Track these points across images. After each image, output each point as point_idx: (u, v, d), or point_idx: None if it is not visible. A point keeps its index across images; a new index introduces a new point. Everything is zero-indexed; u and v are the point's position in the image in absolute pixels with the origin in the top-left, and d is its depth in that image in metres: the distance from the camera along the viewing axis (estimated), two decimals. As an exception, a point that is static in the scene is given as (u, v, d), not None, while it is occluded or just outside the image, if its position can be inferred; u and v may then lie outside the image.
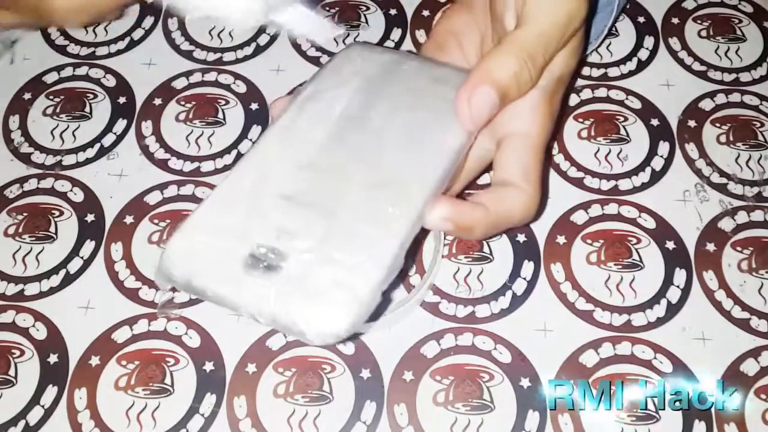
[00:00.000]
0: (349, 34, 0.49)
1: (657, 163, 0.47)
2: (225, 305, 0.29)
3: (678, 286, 0.43)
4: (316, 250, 0.28)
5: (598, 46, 0.51)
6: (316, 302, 0.27)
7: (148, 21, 0.55)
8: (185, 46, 0.53)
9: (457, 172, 0.34)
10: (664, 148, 0.48)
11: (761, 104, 0.49)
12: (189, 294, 0.33)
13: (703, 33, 0.53)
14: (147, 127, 0.50)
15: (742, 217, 0.45)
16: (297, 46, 0.53)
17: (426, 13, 0.54)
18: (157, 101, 0.51)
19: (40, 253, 0.45)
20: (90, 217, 0.46)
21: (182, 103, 0.50)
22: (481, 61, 0.32)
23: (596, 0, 0.45)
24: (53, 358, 0.41)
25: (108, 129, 0.50)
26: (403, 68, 0.36)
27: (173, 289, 0.39)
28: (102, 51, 0.53)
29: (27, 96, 0.51)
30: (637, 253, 0.44)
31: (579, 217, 0.45)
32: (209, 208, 0.30)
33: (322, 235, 0.28)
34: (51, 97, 0.51)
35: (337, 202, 0.30)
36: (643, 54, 0.52)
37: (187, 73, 0.52)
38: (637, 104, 0.50)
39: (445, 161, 0.32)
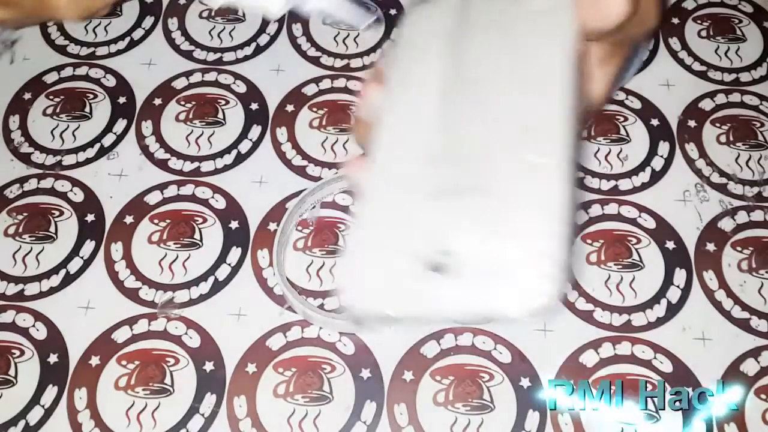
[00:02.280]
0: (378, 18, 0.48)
1: (657, 163, 0.47)
2: (422, 323, 0.29)
3: (678, 286, 0.43)
4: (482, 230, 0.25)
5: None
6: (510, 282, 0.24)
7: (148, 21, 0.55)
8: (185, 46, 0.53)
9: (582, 83, 0.30)
10: (664, 148, 0.48)
11: (761, 104, 0.49)
12: (386, 326, 0.32)
13: (703, 33, 0.53)
14: (147, 127, 0.50)
15: (742, 217, 0.45)
16: (297, 46, 0.53)
17: (426, 13, 0.54)
18: (157, 101, 0.51)
19: (40, 253, 0.45)
20: (90, 217, 0.46)
21: (182, 103, 0.50)
22: None
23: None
24: (53, 358, 0.41)
25: (108, 129, 0.50)
26: (475, 5, 0.31)
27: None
28: (102, 51, 0.53)
29: (27, 96, 0.51)
30: (637, 253, 0.44)
31: (579, 217, 0.45)
32: (361, 237, 0.27)
33: (480, 214, 0.26)
34: (51, 97, 0.51)
35: (480, 174, 0.27)
36: (643, 54, 0.52)
37: (187, 73, 0.52)
38: (637, 104, 0.50)
39: (564, 83, 0.27)
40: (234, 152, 0.48)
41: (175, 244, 0.45)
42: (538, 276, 0.24)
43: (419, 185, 0.27)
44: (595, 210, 0.46)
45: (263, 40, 0.53)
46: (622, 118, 0.49)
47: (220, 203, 0.46)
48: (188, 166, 0.48)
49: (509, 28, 0.30)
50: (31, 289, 0.44)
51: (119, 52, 0.53)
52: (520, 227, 0.25)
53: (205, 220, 0.46)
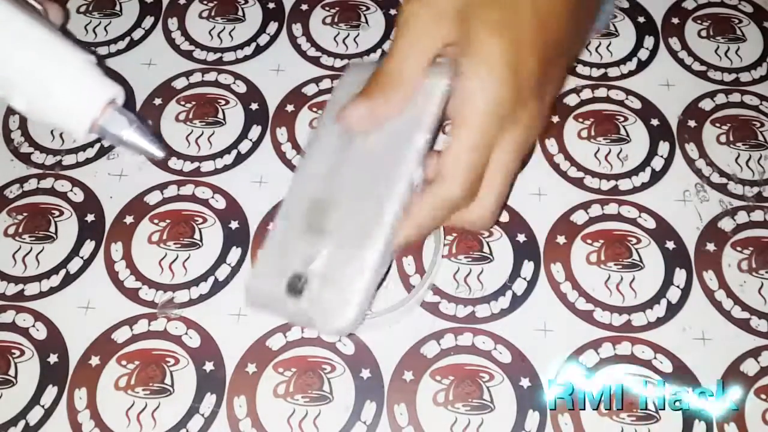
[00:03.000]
0: (170, 157, 0.48)
1: (657, 163, 0.47)
2: (283, 320, 0.40)
3: (678, 286, 0.43)
4: (327, 270, 0.37)
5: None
6: (326, 312, 0.36)
7: (148, 21, 0.55)
8: (185, 46, 0.53)
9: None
10: (664, 148, 0.48)
11: (761, 104, 0.49)
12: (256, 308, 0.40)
13: (703, 33, 0.53)
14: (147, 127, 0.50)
15: (742, 217, 0.45)
16: (297, 46, 0.53)
17: (426, 13, 0.54)
18: (157, 101, 0.51)
19: (40, 253, 0.45)
20: (90, 217, 0.46)
21: (182, 103, 0.50)
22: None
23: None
24: (53, 358, 0.41)
25: (108, 129, 0.50)
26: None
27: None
28: (102, 51, 0.53)
29: (27, 96, 0.51)
30: (637, 253, 0.44)
31: (579, 217, 0.45)
32: (266, 252, 0.39)
33: (328, 256, 0.37)
34: (51, 97, 0.51)
35: (335, 227, 0.37)
36: (643, 54, 0.52)
37: (187, 73, 0.52)
38: (637, 104, 0.50)
39: (402, 180, 0.37)
40: (234, 152, 0.48)
41: (175, 244, 0.45)
42: (340, 310, 0.36)
43: (304, 216, 0.38)
44: (595, 210, 0.46)
45: (263, 40, 0.53)
46: (622, 118, 0.49)
47: (220, 203, 0.46)
48: (188, 166, 0.48)
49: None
50: (31, 289, 0.44)
51: (119, 52, 0.53)
52: (342, 274, 0.36)
53: (205, 220, 0.46)
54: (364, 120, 0.37)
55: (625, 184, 0.46)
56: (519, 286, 0.43)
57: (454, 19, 0.35)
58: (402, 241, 0.37)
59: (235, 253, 0.45)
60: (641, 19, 0.54)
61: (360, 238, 0.37)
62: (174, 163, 0.48)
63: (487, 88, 0.34)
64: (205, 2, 0.55)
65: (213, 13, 0.55)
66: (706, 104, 0.50)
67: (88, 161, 0.48)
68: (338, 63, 0.52)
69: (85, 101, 0.35)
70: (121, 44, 0.54)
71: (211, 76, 0.52)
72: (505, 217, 0.45)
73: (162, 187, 0.47)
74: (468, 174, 0.35)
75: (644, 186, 0.46)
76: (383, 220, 0.37)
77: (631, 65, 0.51)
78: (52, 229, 0.46)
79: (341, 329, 0.37)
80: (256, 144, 0.49)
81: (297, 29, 0.54)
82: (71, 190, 0.47)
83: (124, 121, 0.36)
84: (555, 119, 0.49)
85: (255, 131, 0.49)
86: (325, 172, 0.39)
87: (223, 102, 0.50)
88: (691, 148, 0.48)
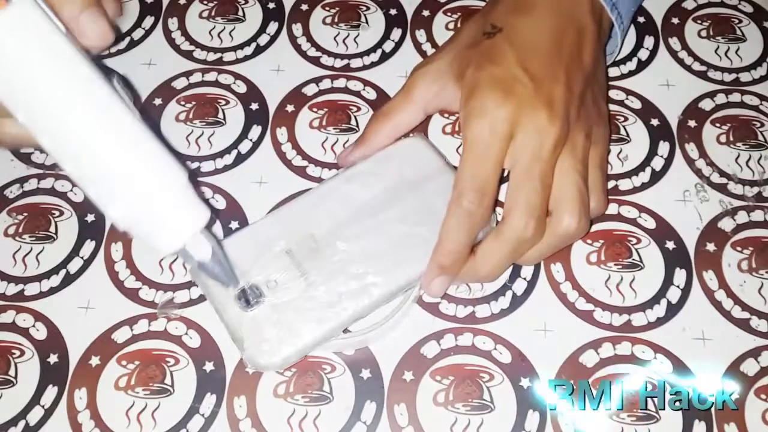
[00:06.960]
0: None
1: (657, 163, 0.47)
2: (214, 309, 0.40)
3: (678, 286, 0.43)
4: (284, 305, 0.38)
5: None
6: (259, 342, 0.38)
7: (148, 21, 0.55)
8: (185, 46, 0.53)
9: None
10: (664, 148, 0.48)
11: (761, 104, 0.49)
12: (202, 290, 0.41)
13: (703, 33, 0.53)
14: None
15: (742, 217, 0.45)
16: (297, 46, 0.53)
17: (426, 13, 0.54)
18: (157, 101, 0.51)
19: (40, 253, 0.45)
20: (90, 217, 0.46)
21: (182, 103, 0.50)
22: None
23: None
24: (53, 358, 0.41)
25: (108, 129, 0.50)
26: (440, 179, 0.42)
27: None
28: (103, 51, 0.53)
29: (27, 96, 0.51)
30: (637, 253, 0.44)
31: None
32: (236, 241, 0.41)
33: (294, 295, 0.38)
34: (51, 97, 0.51)
35: (319, 275, 0.39)
36: (643, 54, 0.52)
37: (187, 73, 0.52)
38: (637, 104, 0.50)
39: (407, 280, 0.40)
40: (234, 152, 0.48)
41: (175, 244, 0.45)
42: (269, 353, 0.37)
43: (295, 242, 0.40)
44: (595, 210, 0.46)
45: (263, 40, 0.53)
46: (622, 118, 0.49)
47: (220, 203, 0.46)
48: (188, 167, 0.48)
49: (432, 216, 0.41)
50: (31, 289, 0.44)
51: (119, 52, 0.53)
52: (296, 320, 0.38)
53: (205, 220, 0.46)
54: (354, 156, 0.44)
55: (625, 184, 0.47)
56: (519, 287, 0.43)
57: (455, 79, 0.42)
58: (481, 281, 0.42)
59: (235, 253, 0.44)
60: (641, 19, 0.54)
61: (329, 305, 0.38)
62: (174, 163, 0.48)
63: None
64: (205, 2, 0.55)
65: (213, 13, 0.55)
66: (706, 104, 0.50)
67: (88, 161, 0.48)
68: (338, 63, 0.52)
69: (181, 223, 0.33)
70: (121, 44, 0.54)
71: (211, 76, 0.52)
72: (505, 217, 0.45)
73: (162, 187, 0.47)
74: (528, 210, 0.38)
75: (644, 186, 0.46)
76: (357, 304, 0.39)
77: (631, 65, 0.51)
78: (52, 229, 0.46)
79: (264, 365, 0.38)
80: (256, 144, 0.49)
81: (297, 29, 0.54)
82: (71, 190, 0.47)
83: (209, 249, 0.35)
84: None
85: (255, 131, 0.49)
86: (341, 217, 0.40)
87: (223, 102, 0.50)
88: (691, 148, 0.48)
